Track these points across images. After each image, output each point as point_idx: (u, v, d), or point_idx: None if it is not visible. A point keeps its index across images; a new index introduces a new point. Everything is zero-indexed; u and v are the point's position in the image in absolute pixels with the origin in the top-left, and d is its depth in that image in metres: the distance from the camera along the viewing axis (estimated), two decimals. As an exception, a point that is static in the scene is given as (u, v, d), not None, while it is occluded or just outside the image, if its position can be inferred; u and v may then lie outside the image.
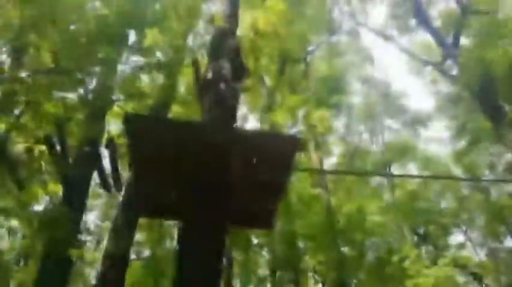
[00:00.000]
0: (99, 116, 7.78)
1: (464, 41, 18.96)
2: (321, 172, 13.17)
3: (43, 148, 6.75)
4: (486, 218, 18.35)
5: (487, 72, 14.99)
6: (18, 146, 6.23)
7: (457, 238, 20.77)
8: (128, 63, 7.67)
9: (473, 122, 18.03)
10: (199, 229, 4.67)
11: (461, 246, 20.36)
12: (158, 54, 7.80)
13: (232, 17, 8.19)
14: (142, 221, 9.46)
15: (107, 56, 6.37)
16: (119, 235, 8.60)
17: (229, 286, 11.88)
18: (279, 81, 13.79)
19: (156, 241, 10.67)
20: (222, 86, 6.17)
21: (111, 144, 6.10)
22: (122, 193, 8.44)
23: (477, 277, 18.32)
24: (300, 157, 12.69)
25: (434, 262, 17.07)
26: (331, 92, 17.05)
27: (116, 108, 8.14)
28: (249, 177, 4.91)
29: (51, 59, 5.92)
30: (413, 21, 21.51)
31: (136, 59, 7.69)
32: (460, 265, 18.22)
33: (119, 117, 8.11)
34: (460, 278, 17.81)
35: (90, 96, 6.77)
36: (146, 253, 12.18)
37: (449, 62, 19.30)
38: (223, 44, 7.27)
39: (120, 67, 7.82)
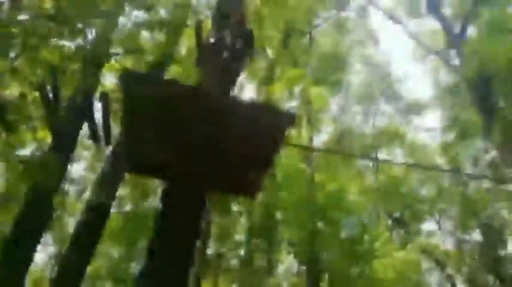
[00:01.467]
0: (96, 68, 7.61)
1: (471, 31, 18.77)
2: (310, 149, 13.30)
3: (36, 94, 6.64)
4: (459, 210, 18.96)
5: (487, 67, 14.94)
6: (12, 90, 6.12)
7: (429, 225, 21.53)
8: (129, 18, 7.43)
9: (466, 116, 18.17)
10: (182, 190, 4.77)
11: (431, 234, 21.21)
12: (161, 11, 7.55)
13: (242, -19, 7.91)
14: (128, 176, 9.54)
15: (109, 9, 6.15)
16: (104, 188, 8.70)
17: (204, 246, 12.21)
18: (280, 53, 13.56)
19: (139, 197, 10.82)
20: (225, 53, 6.04)
21: (104, 97, 6.02)
22: (111, 147, 8.44)
23: (441, 265, 19.23)
24: (291, 131, 12.74)
25: (403, 246, 17.81)
26: (331, 70, 16.89)
27: (113, 62, 7.97)
28: (239, 146, 4.97)
29: (52, 6, 5.70)
30: (423, 6, 21.12)
31: (139, 15, 7.45)
32: (427, 251, 19.09)
33: (115, 72, 7.96)
34: (425, 264, 18.70)
35: (88, 47, 6.60)
36: (128, 207, 12.40)
37: (453, 52, 19.16)
38: (230, 8, 7.06)
39: (121, 21, 7.59)
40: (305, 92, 13.74)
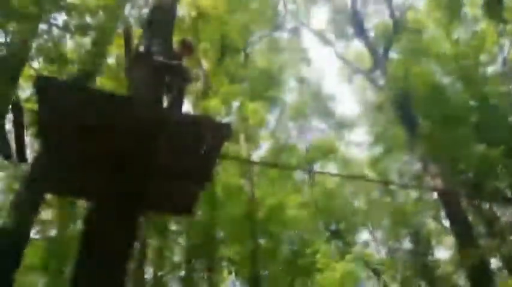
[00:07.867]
0: (9, 76, 6.79)
1: (393, 54, 20.34)
2: (248, 162, 13.20)
3: None
4: (390, 220, 19.92)
5: (408, 87, 16.23)
6: None
7: (364, 236, 22.40)
8: (52, 21, 6.78)
9: (391, 131, 19.35)
10: (109, 212, 4.17)
11: (366, 244, 22.08)
12: (88, 17, 7.01)
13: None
14: (49, 198, 8.65)
15: (28, 10, 5.53)
16: (21, 211, 7.78)
17: (141, 272, 11.43)
18: (217, 68, 13.44)
19: (65, 221, 9.84)
20: (159, 62, 5.63)
21: (17, 108, 5.30)
22: (27, 165, 7.59)
23: (377, 273, 20.00)
24: (229, 147, 12.58)
25: (342, 257, 18.28)
26: (266, 86, 17.17)
27: (30, 70, 7.18)
28: (174, 161, 4.58)
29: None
30: (350, 29, 22.55)
31: (63, 19, 6.82)
32: (363, 261, 19.76)
33: (31, 80, 7.17)
34: (362, 273, 19.33)
35: (2, 52, 5.86)
36: (53, 232, 11.22)
37: (378, 72, 20.56)
38: (162, 18, 6.74)
39: (42, 25, 6.88)
40: (242, 107, 13.72)
